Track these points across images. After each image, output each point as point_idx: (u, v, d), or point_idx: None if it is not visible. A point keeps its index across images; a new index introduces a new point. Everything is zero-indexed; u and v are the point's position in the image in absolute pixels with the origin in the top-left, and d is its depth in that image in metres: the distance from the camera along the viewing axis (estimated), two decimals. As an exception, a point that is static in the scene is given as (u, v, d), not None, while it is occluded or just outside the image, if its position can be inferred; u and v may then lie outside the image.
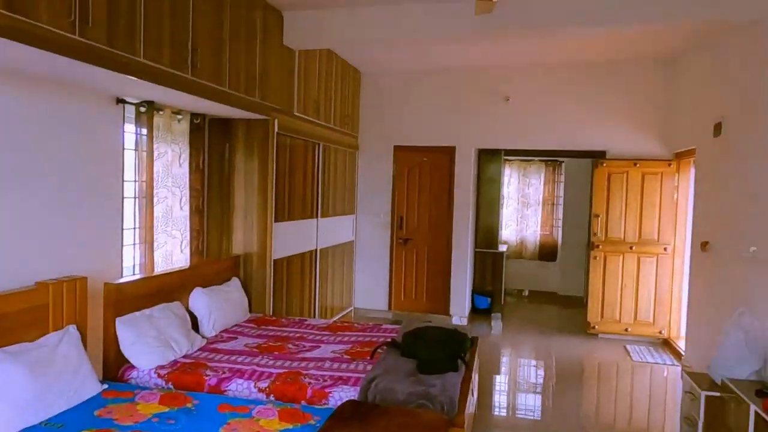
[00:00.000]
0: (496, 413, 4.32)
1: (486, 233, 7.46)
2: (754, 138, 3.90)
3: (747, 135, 4.03)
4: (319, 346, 3.77)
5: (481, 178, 7.46)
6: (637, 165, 6.04)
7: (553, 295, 8.56)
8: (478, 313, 7.24)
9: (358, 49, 5.93)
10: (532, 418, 4.30)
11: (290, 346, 3.75)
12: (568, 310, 7.86)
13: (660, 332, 6.04)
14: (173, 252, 4.14)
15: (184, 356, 3.42)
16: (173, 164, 4.13)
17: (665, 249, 6.01)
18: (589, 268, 6.38)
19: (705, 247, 4.66)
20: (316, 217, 5.65)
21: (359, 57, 6.25)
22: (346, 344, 3.84)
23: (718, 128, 4.56)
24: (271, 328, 4.18)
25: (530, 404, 4.61)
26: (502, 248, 7.66)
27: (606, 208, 6.14)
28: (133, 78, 2.95)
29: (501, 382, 5.11)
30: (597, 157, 6.28)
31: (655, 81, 6.08)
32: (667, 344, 6.01)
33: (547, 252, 8.68)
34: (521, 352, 5.99)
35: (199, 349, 3.57)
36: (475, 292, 7.31)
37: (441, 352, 3.29)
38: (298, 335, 4.02)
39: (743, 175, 4.06)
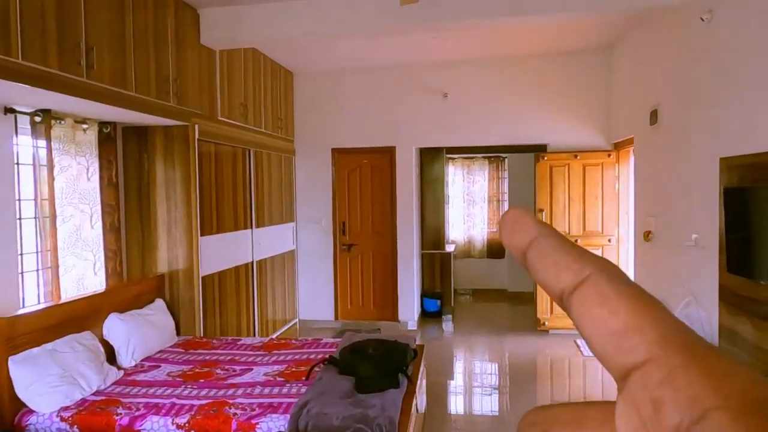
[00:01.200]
0: (450, 417, 4.12)
1: (432, 234, 7.29)
2: (688, 125, 3.84)
3: (681, 122, 3.98)
4: (251, 369, 3.46)
5: (424, 178, 7.28)
6: (578, 157, 5.98)
7: (502, 293, 8.47)
8: (428, 316, 7.05)
9: (287, 49, 5.65)
10: (489, 416, 4.12)
11: (219, 371, 3.43)
12: (518, 306, 7.77)
13: (609, 324, 5.98)
14: (85, 275, 3.74)
15: (95, 393, 3.05)
16: (80, 179, 3.74)
17: (609, 240, 5.98)
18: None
19: (647, 236, 4.60)
20: (251, 227, 5.32)
21: (289, 57, 5.96)
22: (281, 364, 3.55)
23: (654, 116, 4.51)
24: (200, 351, 3.84)
25: (486, 406, 4.43)
26: (450, 248, 7.51)
27: (550, 202, 6.06)
28: (11, 83, 2.58)
29: (454, 385, 4.92)
30: (538, 151, 6.20)
31: (593, 71, 6.05)
32: (616, 336, 5.95)
33: (495, 249, 8.59)
34: (474, 354, 5.82)
35: (113, 383, 3.21)
36: (425, 295, 7.12)
37: (380, 367, 3.05)
38: (229, 358, 3.70)
39: (679, 162, 4.00)
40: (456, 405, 4.59)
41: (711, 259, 3.39)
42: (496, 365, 5.43)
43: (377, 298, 6.60)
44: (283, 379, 3.27)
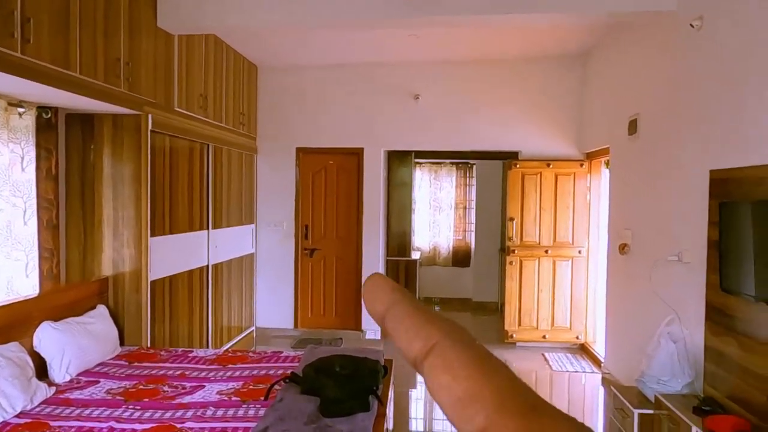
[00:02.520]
0: (414, 444, 3.86)
1: (398, 240, 7.05)
2: (672, 135, 3.71)
3: (664, 132, 3.85)
4: (203, 386, 3.12)
5: (391, 182, 7.04)
6: (551, 166, 5.84)
7: (467, 302, 8.29)
8: (391, 325, 6.78)
9: (253, 40, 5.31)
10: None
11: (166, 388, 3.07)
12: (483, 317, 7.61)
13: (577, 337, 5.86)
14: (14, 278, 3.32)
15: (20, 415, 2.65)
16: (13, 168, 3.32)
17: (580, 252, 5.86)
18: (505, 275, 6.11)
19: (623, 249, 4.46)
20: (207, 228, 4.95)
21: (254, 49, 5.61)
22: (237, 381, 3.21)
23: (632, 126, 4.38)
24: (146, 364, 3.46)
25: (449, 425, 4.19)
26: (415, 255, 7.28)
27: (520, 211, 5.90)
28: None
29: (417, 397, 4.67)
30: (510, 158, 6.03)
31: (568, 78, 5.93)
32: (584, 349, 5.84)
33: (460, 258, 8.42)
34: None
35: (42, 403, 2.81)
36: (389, 303, 6.85)
37: (349, 387, 2.76)
38: (179, 372, 3.34)
39: (660, 174, 3.87)
40: (420, 423, 4.33)
41: (697, 276, 3.25)
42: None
43: (339, 307, 6.30)
44: (239, 398, 2.94)
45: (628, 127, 4.47)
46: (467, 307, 8.14)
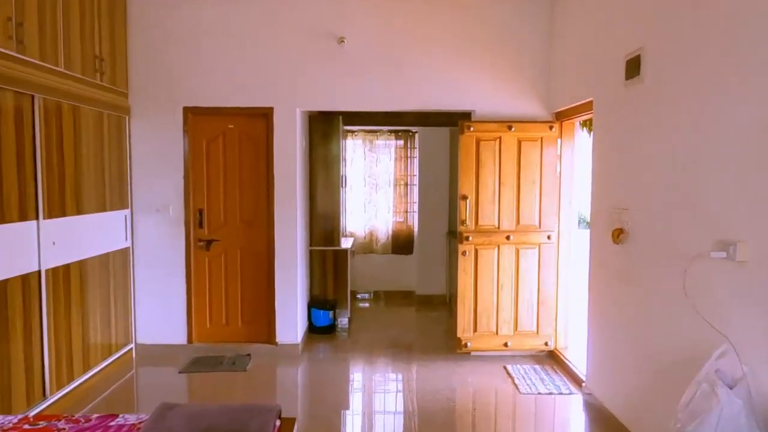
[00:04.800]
0: None
1: (324, 225, 5.69)
2: (702, 68, 2.50)
3: (688, 69, 2.64)
4: None
5: (315, 154, 5.64)
6: (513, 129, 4.60)
7: (410, 295, 7.06)
8: (317, 332, 5.45)
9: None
10: None
11: None
12: (429, 313, 6.40)
13: (545, 344, 4.72)
14: None
15: None
16: None
17: (549, 237, 4.68)
18: (455, 265, 4.88)
19: (619, 236, 3.27)
20: (36, 218, 3.42)
21: (113, -33, 4.05)
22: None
23: (632, 66, 3.17)
24: None
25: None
26: (347, 243, 5.95)
27: (475, 188, 4.64)
28: None
29: (344, 456, 3.38)
30: (462, 119, 4.75)
31: (534, 15, 4.69)
32: (554, 358, 4.71)
33: (401, 243, 7.15)
34: (375, 388, 4.30)
35: None
36: (313, 305, 5.51)
37: None
38: None
39: (685, 129, 2.67)
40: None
41: (763, 283, 2.07)
42: (403, 402, 3.95)
43: (247, 313, 4.90)
44: None
45: (625, 70, 3.26)
46: (410, 302, 6.92)
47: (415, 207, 7.01)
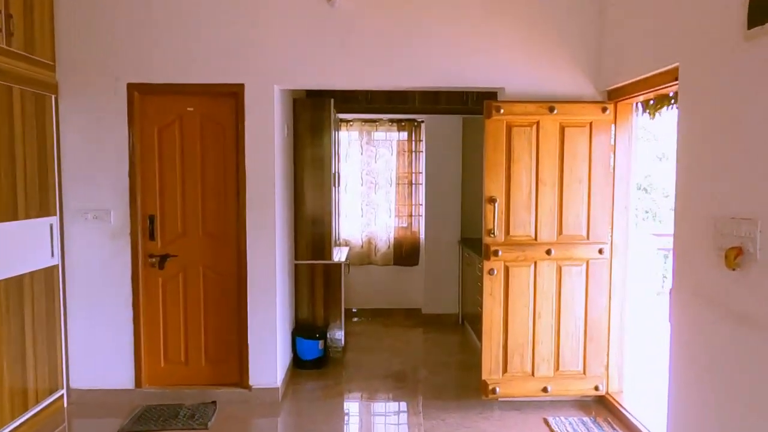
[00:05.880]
0: None
1: (313, 234, 4.65)
2: None
3: None
4: None
5: (300, 147, 4.59)
6: (555, 111, 3.55)
7: (415, 314, 6.01)
8: (304, 367, 4.40)
9: None
10: None
11: None
12: (438, 337, 5.37)
13: (595, 387, 3.67)
14: None
15: None
16: None
17: (600, 251, 3.63)
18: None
19: (737, 258, 2.22)
20: None
21: None
22: None
23: (761, 9, 2.12)
24: None
25: None
26: (340, 255, 4.90)
27: (506, 186, 3.60)
28: None
29: None
30: (489, 98, 3.69)
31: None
32: (606, 405, 3.67)
33: (405, 253, 6.09)
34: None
35: None
36: (299, 333, 4.46)
37: None
38: None
39: None
40: None
41: None
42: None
43: (212, 349, 3.85)
44: None
45: (747, 15, 2.20)
46: (415, 322, 5.88)
47: (422, 210, 5.97)
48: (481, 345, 3.69)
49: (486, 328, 3.65)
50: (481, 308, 3.66)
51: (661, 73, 2.95)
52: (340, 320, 4.72)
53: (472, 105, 5.35)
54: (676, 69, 2.77)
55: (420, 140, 5.98)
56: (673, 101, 3.13)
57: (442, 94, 5.32)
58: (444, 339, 5.31)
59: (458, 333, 5.51)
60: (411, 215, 6.06)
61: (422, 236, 5.99)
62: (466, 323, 5.60)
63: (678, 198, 2.76)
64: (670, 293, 2.80)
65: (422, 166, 5.94)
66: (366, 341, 5.25)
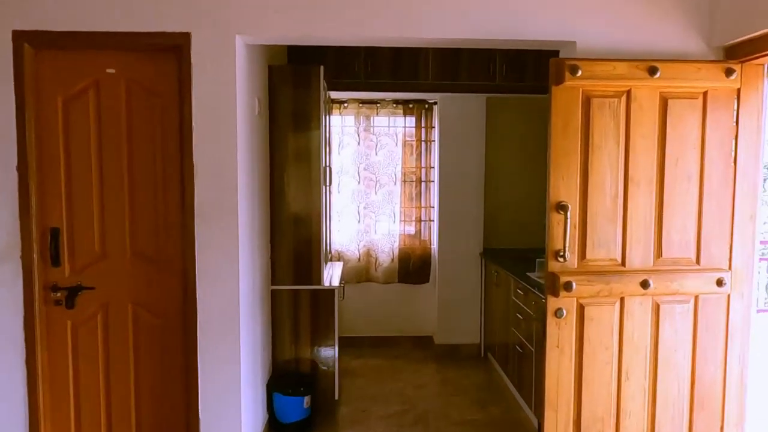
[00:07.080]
0: None
1: (296, 248, 3.46)
2: None
3: None
4: None
5: (278, 133, 3.41)
6: (658, 74, 2.37)
7: (426, 344, 4.86)
8: (284, 431, 3.23)
9: None
10: None
11: None
12: (456, 376, 4.23)
13: (707, 479, 2.53)
14: None
15: None
16: None
17: (719, 282, 2.48)
18: (546, 339, 2.70)
19: None
20: None
21: None
22: None
23: None
24: None
25: None
26: (333, 275, 3.72)
27: (582, 188, 2.43)
28: None
29: None
30: (552, 56, 2.52)
31: None
32: (721, 505, 2.53)
33: (413, 268, 4.92)
34: None
35: None
36: (278, 387, 3.27)
37: None
38: None
39: None
40: None
41: None
42: None
43: (147, 421, 2.65)
44: None
45: None
46: (427, 354, 4.73)
47: (434, 214, 4.80)
48: (542, 420, 2.52)
49: (550, 396, 2.48)
50: (544, 364, 2.50)
51: None
52: (333, 364, 3.54)
53: (501, 81, 4.22)
54: None
55: (432, 127, 4.80)
56: None
57: (464, 63, 4.17)
58: (465, 380, 4.16)
59: (481, 369, 4.36)
60: (420, 220, 4.88)
61: (434, 247, 4.83)
62: (489, 356, 4.47)
63: None
64: None
65: (434, 160, 4.77)
66: (366, 386, 4.07)
